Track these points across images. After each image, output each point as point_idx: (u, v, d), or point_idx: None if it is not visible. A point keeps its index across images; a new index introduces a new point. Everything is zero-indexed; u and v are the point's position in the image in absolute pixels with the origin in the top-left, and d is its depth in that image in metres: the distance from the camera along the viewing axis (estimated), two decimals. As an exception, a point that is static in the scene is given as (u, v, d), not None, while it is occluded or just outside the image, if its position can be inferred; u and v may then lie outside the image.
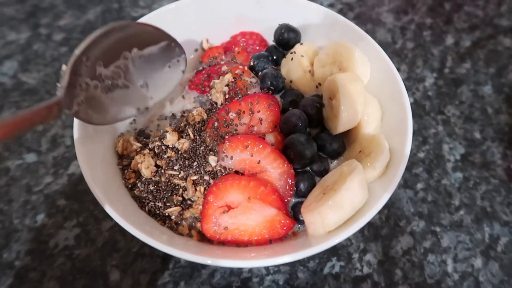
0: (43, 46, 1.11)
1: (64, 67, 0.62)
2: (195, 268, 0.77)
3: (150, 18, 0.84)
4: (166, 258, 0.78)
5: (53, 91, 1.02)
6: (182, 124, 0.76)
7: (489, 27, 1.20)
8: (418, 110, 1.01)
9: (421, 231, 0.84)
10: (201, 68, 0.89)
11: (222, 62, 0.87)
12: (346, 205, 0.59)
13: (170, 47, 0.77)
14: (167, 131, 0.71)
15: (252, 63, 0.84)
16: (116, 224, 0.81)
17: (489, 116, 1.01)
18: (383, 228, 0.84)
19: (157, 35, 0.74)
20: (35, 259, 0.78)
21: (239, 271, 0.78)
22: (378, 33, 1.18)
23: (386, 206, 0.68)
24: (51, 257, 0.78)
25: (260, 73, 0.82)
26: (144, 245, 0.80)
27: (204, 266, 0.77)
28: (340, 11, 1.22)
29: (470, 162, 0.93)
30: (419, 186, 0.90)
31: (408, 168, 0.92)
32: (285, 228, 0.64)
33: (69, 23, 1.17)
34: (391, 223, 0.85)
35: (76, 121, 0.69)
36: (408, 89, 1.05)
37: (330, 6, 1.23)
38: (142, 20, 0.84)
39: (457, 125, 0.99)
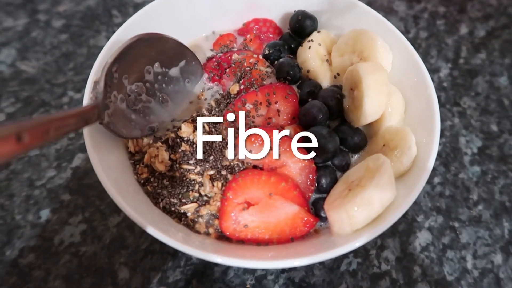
0: (42, 33, 1.06)
1: (95, 77, 0.65)
2: (207, 265, 0.74)
3: (160, 4, 0.80)
4: (177, 255, 0.75)
5: (53, 80, 0.97)
6: (194, 115, 0.72)
7: (503, 17, 1.17)
8: (433, 102, 0.98)
9: (439, 226, 0.81)
10: (211, 55, 0.85)
11: (234, 49, 0.83)
12: (375, 202, 0.56)
13: (191, 64, 0.80)
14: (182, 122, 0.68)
15: (267, 52, 0.80)
16: (124, 220, 0.79)
17: (505, 108, 0.98)
18: (400, 224, 0.81)
19: (179, 50, 0.77)
20: (39, 257, 0.74)
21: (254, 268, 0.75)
22: (390, 21, 1.11)
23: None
24: (56, 255, 0.74)
25: (276, 63, 0.78)
26: (153, 241, 0.77)
27: (217, 263, 0.74)
28: (351, -1, 1.18)
29: (487, 156, 0.91)
30: (436, 180, 0.87)
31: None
32: (307, 225, 0.62)
33: (69, 9, 1.12)
34: (409, 219, 0.82)
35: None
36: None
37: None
38: (151, 5, 0.80)
39: (473, 117, 0.97)
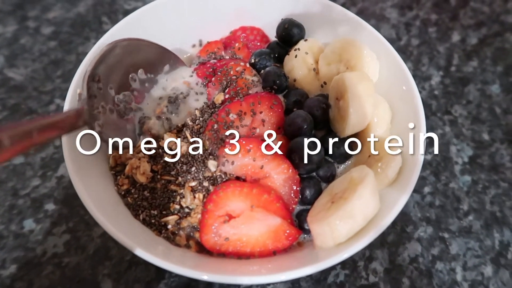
0: (31, 40, 1.06)
1: (79, 89, 0.64)
2: (192, 277, 0.73)
3: (146, 12, 0.80)
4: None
5: (41, 87, 0.97)
6: (179, 124, 0.71)
7: (495, 24, 1.16)
8: (424, 110, 0.96)
9: (428, 237, 0.80)
10: (202, 60, 0.83)
11: (227, 57, 0.82)
12: (357, 216, 0.55)
13: (176, 67, 0.79)
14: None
15: (253, 60, 0.79)
16: (109, 230, 0.78)
17: (497, 117, 0.97)
18: (389, 234, 0.80)
19: (161, 53, 0.76)
20: (22, 268, 0.73)
21: (239, 280, 0.74)
22: (382, 29, 1.13)
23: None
24: (39, 266, 0.73)
25: (262, 71, 0.77)
26: (138, 252, 0.76)
27: (202, 276, 0.73)
28: (343, 6, 1.16)
29: (478, 165, 0.90)
30: (426, 190, 0.86)
31: (415, 171, 0.88)
32: (290, 238, 0.60)
33: (59, 16, 1.11)
34: (398, 229, 0.81)
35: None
36: (414, 87, 1.01)
37: (332, 0, 1.18)
38: (137, 13, 0.80)
39: (465, 125, 0.96)
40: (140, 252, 0.54)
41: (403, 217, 0.82)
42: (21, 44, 1.05)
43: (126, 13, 1.13)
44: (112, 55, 0.66)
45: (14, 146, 0.43)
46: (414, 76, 1.01)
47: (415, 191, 0.85)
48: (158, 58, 0.76)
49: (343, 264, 0.76)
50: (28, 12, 1.11)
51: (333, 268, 0.76)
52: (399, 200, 0.58)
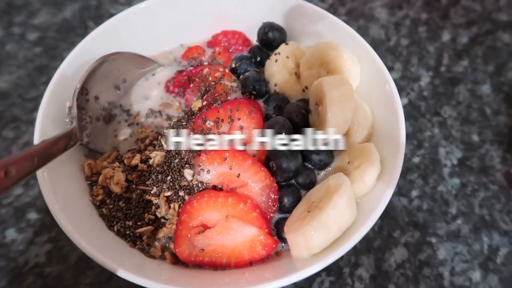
0: (16, 46, 1.05)
1: (68, 103, 0.68)
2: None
3: (127, 16, 0.81)
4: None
5: (25, 95, 0.96)
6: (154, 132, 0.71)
7: (487, 22, 1.14)
8: (413, 112, 0.96)
9: (416, 242, 0.79)
10: (181, 68, 0.84)
11: (206, 63, 0.81)
12: (332, 226, 0.54)
13: (153, 69, 0.85)
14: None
15: (233, 65, 0.78)
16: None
17: (487, 118, 0.95)
18: (375, 240, 0.79)
19: (144, 62, 0.82)
20: (2, 278, 0.72)
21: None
22: (371, 29, 1.11)
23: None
24: (20, 276, 0.73)
25: (241, 77, 0.76)
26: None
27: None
28: (331, 6, 1.16)
29: (467, 167, 0.88)
30: (414, 193, 0.84)
31: (403, 174, 0.86)
32: (266, 248, 0.59)
33: (45, 21, 1.11)
34: (384, 234, 0.79)
35: (37, 126, 0.65)
36: (402, 89, 0.99)
37: (321, 0, 1.17)
38: (118, 16, 0.82)
39: (454, 127, 0.94)
40: (112, 267, 0.53)
41: (390, 221, 0.81)
42: (6, 51, 1.04)
43: (111, 16, 1.12)
44: (99, 69, 0.72)
45: (19, 174, 0.49)
46: (403, 77, 1.02)
47: (402, 195, 0.84)
48: (137, 66, 0.81)
49: (328, 270, 0.75)
50: (14, 17, 1.11)
51: (318, 275, 0.74)
52: (376, 208, 0.56)
